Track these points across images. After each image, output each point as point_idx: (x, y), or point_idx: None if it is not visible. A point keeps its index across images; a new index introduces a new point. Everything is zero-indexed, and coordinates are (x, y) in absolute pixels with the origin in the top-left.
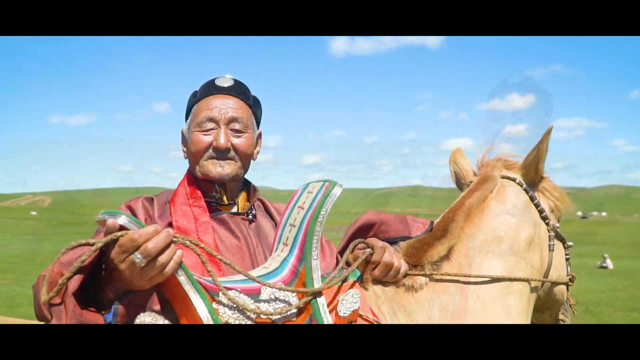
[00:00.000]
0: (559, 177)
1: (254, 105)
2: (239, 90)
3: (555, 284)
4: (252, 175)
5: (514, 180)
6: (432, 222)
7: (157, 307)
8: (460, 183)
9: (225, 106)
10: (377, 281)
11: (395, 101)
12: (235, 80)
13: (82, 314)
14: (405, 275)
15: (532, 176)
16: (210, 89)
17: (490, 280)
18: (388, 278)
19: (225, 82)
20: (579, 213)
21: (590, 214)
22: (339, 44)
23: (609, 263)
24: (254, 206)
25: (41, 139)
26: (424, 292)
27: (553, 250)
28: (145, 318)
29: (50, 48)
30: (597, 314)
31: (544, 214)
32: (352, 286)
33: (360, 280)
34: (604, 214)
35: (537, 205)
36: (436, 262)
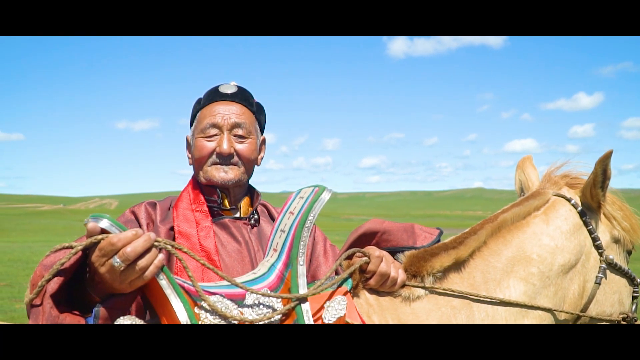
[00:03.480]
0: (629, 179)
1: (258, 112)
2: (242, 96)
3: (595, 320)
4: (311, 178)
5: (569, 200)
6: (440, 232)
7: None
8: (522, 193)
9: (228, 112)
10: (372, 290)
11: (455, 102)
12: (239, 87)
13: (59, 316)
14: (403, 285)
15: (588, 200)
16: (214, 95)
17: (502, 303)
18: (384, 288)
19: (229, 88)
20: None
21: None
22: (398, 46)
23: None
24: (257, 211)
25: (108, 143)
26: (423, 303)
27: (599, 284)
28: (124, 321)
29: (115, 54)
30: None
31: (598, 242)
32: (343, 293)
33: (352, 289)
34: None
35: (590, 232)
36: (438, 272)
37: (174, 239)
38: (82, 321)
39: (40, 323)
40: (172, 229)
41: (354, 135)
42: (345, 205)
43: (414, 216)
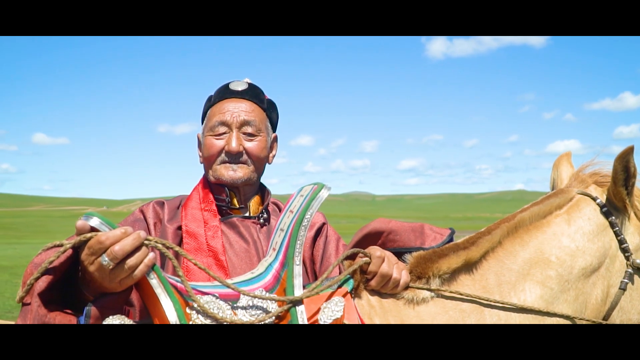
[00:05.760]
0: None
1: (269, 109)
2: (252, 93)
3: None
4: (349, 181)
5: (594, 199)
6: (452, 232)
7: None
8: None
9: (237, 109)
10: (375, 292)
11: (496, 103)
12: (250, 84)
13: (47, 314)
14: (407, 287)
15: (613, 199)
16: (224, 92)
17: (516, 309)
18: (386, 290)
19: (239, 85)
20: None
21: None
22: (437, 46)
23: None
24: (267, 210)
25: (150, 147)
26: (428, 307)
27: (624, 289)
28: (112, 321)
29: (156, 58)
30: None
31: (625, 245)
32: (343, 295)
33: (353, 290)
34: None
35: (617, 234)
36: (445, 274)
37: (181, 239)
38: (73, 320)
39: (29, 322)
40: (180, 228)
41: (393, 137)
42: (384, 207)
43: (454, 219)
